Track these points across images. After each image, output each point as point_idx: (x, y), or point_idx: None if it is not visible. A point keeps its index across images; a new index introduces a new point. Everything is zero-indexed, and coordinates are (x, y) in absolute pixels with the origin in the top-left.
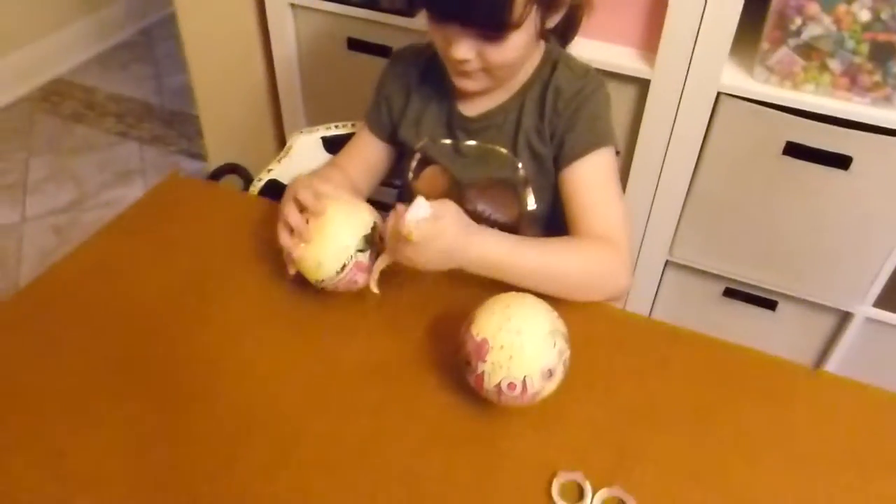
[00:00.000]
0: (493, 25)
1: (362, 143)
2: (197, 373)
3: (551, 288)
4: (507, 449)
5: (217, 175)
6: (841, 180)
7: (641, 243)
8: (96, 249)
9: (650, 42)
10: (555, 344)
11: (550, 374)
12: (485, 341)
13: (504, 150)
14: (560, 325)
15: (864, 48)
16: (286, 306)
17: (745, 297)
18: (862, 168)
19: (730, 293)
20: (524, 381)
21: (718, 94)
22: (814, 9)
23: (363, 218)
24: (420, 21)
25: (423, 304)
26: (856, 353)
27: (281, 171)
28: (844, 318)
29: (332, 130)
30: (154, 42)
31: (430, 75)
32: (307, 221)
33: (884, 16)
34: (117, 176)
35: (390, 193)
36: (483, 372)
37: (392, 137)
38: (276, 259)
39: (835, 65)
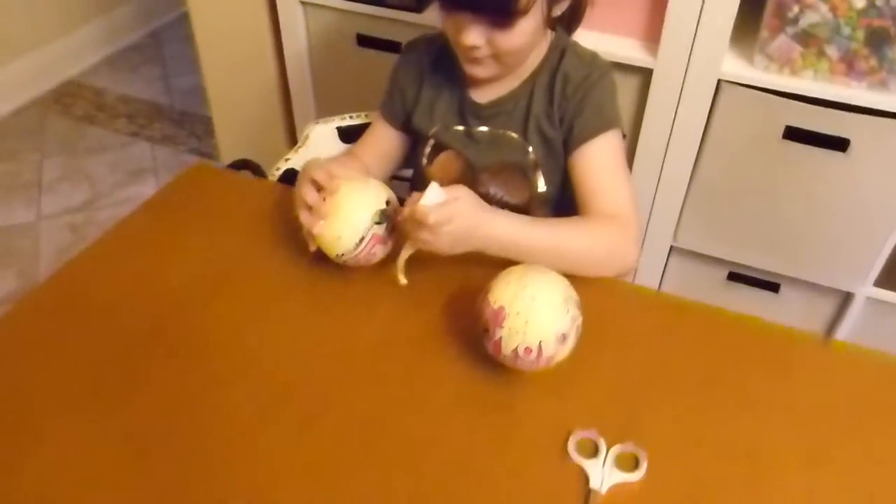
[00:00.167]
0: (502, 13)
1: (377, 132)
2: (227, 346)
3: (563, 265)
4: (525, 411)
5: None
6: (839, 163)
7: (646, 230)
8: (126, 233)
9: (652, 33)
10: (568, 310)
11: (564, 338)
12: (501, 308)
13: (515, 135)
14: (572, 293)
15: (860, 34)
16: (308, 284)
17: (749, 281)
18: (860, 150)
19: (734, 277)
20: (539, 346)
21: (719, 81)
22: None
23: (377, 193)
24: (428, 16)
25: (441, 280)
26: (858, 333)
27: (298, 160)
28: (846, 298)
29: (347, 121)
30: (162, 44)
31: (442, 64)
32: (324, 200)
33: (878, 2)
34: (130, 175)
35: (401, 187)
36: (500, 338)
37: (406, 125)
38: (297, 240)
39: (832, 51)
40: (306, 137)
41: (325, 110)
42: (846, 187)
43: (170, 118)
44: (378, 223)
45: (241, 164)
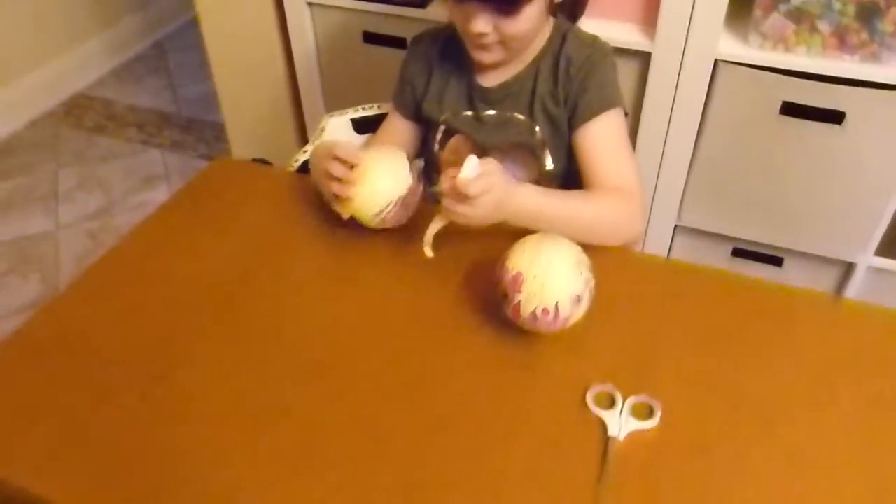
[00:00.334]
0: (508, 1)
1: (391, 124)
2: (263, 323)
3: (576, 234)
4: (545, 370)
5: None
6: (836, 135)
7: (651, 210)
8: (160, 224)
9: (649, 17)
10: (581, 272)
11: (578, 299)
12: (519, 274)
13: (522, 117)
14: (584, 258)
15: (851, 9)
16: (336, 263)
17: (753, 256)
18: (855, 122)
19: (738, 253)
20: (556, 307)
21: (716, 61)
22: None
23: (398, 156)
24: (432, 11)
25: (459, 254)
26: None
27: None
28: (848, 268)
29: (360, 112)
30: (166, 54)
31: (449, 54)
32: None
33: None
34: (143, 181)
35: None
36: (519, 301)
37: (417, 115)
38: (322, 224)
39: (824, 26)
40: (322, 130)
41: (334, 108)
42: (843, 159)
43: (178, 125)
44: (406, 184)
45: (257, 163)
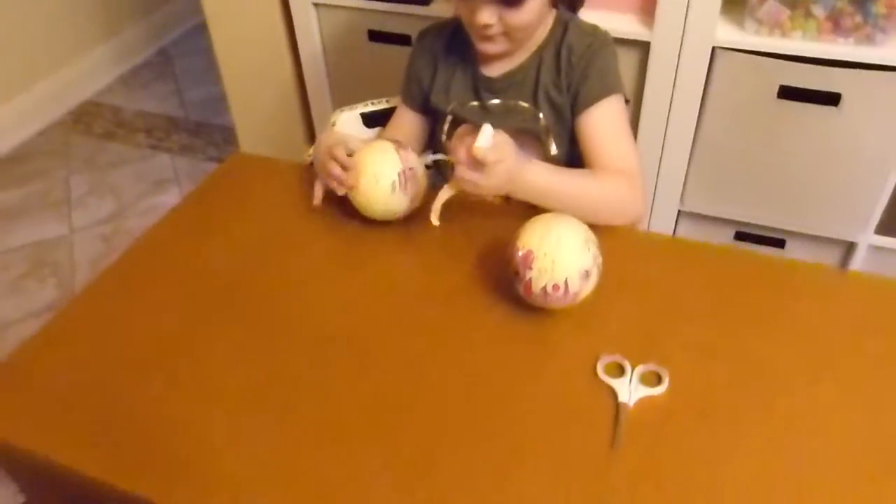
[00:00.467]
0: None
1: (400, 117)
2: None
3: (582, 213)
4: (556, 343)
5: None
6: (833, 117)
7: (654, 196)
8: (183, 217)
9: (647, 7)
10: (589, 249)
11: (587, 275)
12: (529, 252)
13: (526, 105)
14: (592, 236)
15: None
16: (350, 249)
17: (755, 239)
18: (851, 104)
19: (740, 236)
20: (566, 282)
21: (714, 48)
22: None
23: (384, 146)
24: (435, 8)
25: (471, 234)
26: None
27: None
28: (849, 248)
29: (370, 107)
30: (171, 60)
31: (454, 47)
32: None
33: None
34: (153, 185)
35: None
36: (530, 279)
37: (425, 108)
38: (335, 212)
39: (818, 11)
40: (333, 123)
41: (341, 105)
42: (841, 140)
43: (186, 129)
44: (398, 160)
45: None
